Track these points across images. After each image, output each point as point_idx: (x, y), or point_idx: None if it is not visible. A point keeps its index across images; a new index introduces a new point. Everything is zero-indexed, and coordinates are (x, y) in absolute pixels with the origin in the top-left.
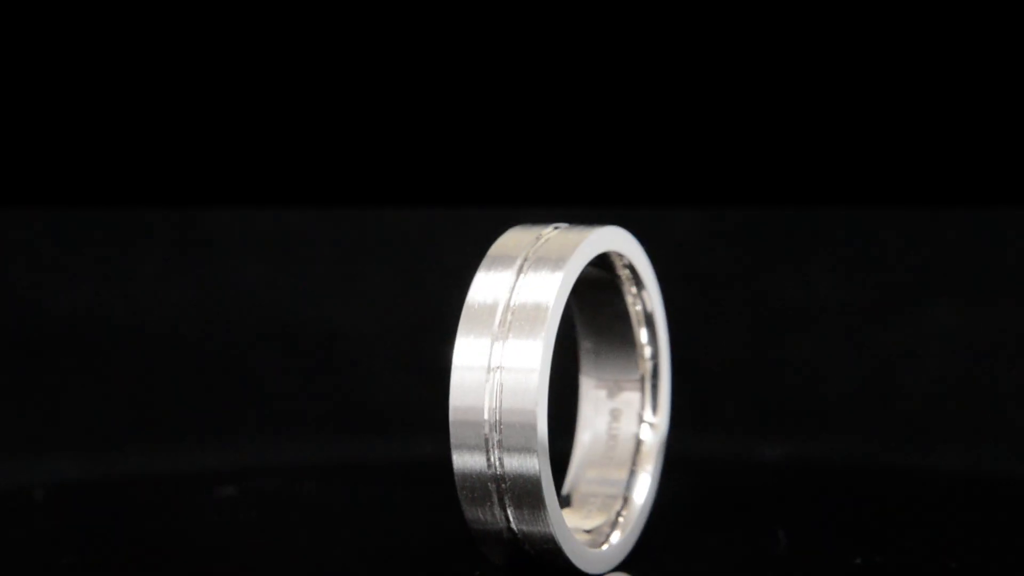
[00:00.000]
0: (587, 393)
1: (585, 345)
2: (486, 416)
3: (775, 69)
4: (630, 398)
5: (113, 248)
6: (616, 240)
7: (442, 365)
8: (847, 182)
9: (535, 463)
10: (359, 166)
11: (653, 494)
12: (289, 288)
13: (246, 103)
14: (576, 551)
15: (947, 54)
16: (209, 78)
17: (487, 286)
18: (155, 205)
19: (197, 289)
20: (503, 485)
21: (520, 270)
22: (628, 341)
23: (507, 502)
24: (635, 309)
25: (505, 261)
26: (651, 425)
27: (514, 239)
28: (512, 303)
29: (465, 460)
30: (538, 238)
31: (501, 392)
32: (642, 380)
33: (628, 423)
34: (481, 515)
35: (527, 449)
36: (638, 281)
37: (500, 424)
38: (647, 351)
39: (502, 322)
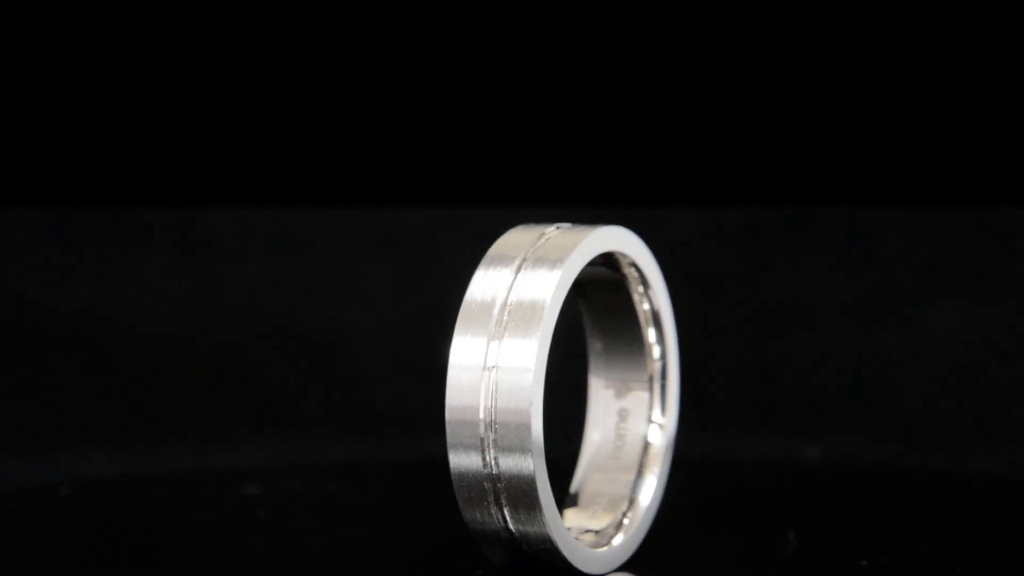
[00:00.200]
0: (596, 393)
1: (595, 346)
2: (481, 415)
3: (775, 69)
4: (638, 398)
5: (113, 248)
6: (618, 239)
7: (442, 364)
8: (847, 182)
9: (529, 463)
10: (359, 166)
11: (659, 496)
12: (289, 288)
13: (246, 103)
14: (574, 551)
15: (947, 54)
16: (209, 78)
17: (485, 284)
18: (155, 205)
19: (197, 289)
20: (499, 485)
21: (519, 269)
22: (636, 341)
23: (503, 502)
24: (642, 308)
25: (504, 260)
26: (660, 426)
27: (515, 238)
28: (509, 301)
29: (461, 460)
30: (539, 237)
31: (496, 391)
32: (650, 380)
33: (636, 423)
34: (479, 515)
35: (522, 449)
36: (644, 280)
37: (495, 424)
38: (655, 351)
39: (499, 320)
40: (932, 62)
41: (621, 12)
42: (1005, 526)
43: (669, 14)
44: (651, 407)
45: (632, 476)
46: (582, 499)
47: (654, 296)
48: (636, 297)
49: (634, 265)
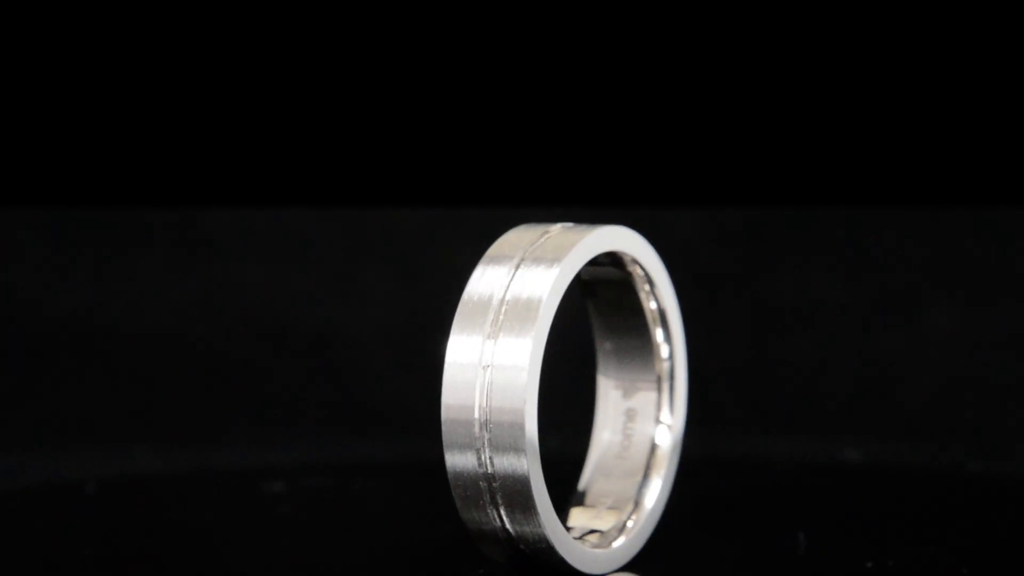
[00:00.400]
0: (604, 393)
1: (604, 346)
2: (476, 415)
3: (775, 69)
4: (647, 398)
5: (113, 248)
6: (619, 238)
7: (441, 364)
8: (847, 182)
9: (523, 463)
10: (359, 166)
11: (665, 499)
12: (289, 288)
13: (246, 103)
14: (572, 551)
15: (947, 54)
16: (209, 78)
17: (483, 282)
18: (155, 205)
19: (197, 289)
20: (494, 484)
21: (517, 267)
22: (644, 341)
23: (499, 501)
24: (649, 307)
25: (503, 259)
26: (667, 426)
27: (515, 237)
28: (506, 299)
29: (457, 459)
30: (540, 237)
31: (491, 390)
32: (659, 380)
33: (644, 424)
34: (476, 515)
35: (515, 448)
36: (649, 278)
37: (489, 423)
38: (663, 351)
39: (495, 319)
40: (932, 62)
41: (621, 12)
42: (1007, 526)
43: (669, 14)
44: (659, 407)
45: (638, 478)
46: (588, 498)
47: (660, 294)
48: (643, 296)
49: (638, 264)
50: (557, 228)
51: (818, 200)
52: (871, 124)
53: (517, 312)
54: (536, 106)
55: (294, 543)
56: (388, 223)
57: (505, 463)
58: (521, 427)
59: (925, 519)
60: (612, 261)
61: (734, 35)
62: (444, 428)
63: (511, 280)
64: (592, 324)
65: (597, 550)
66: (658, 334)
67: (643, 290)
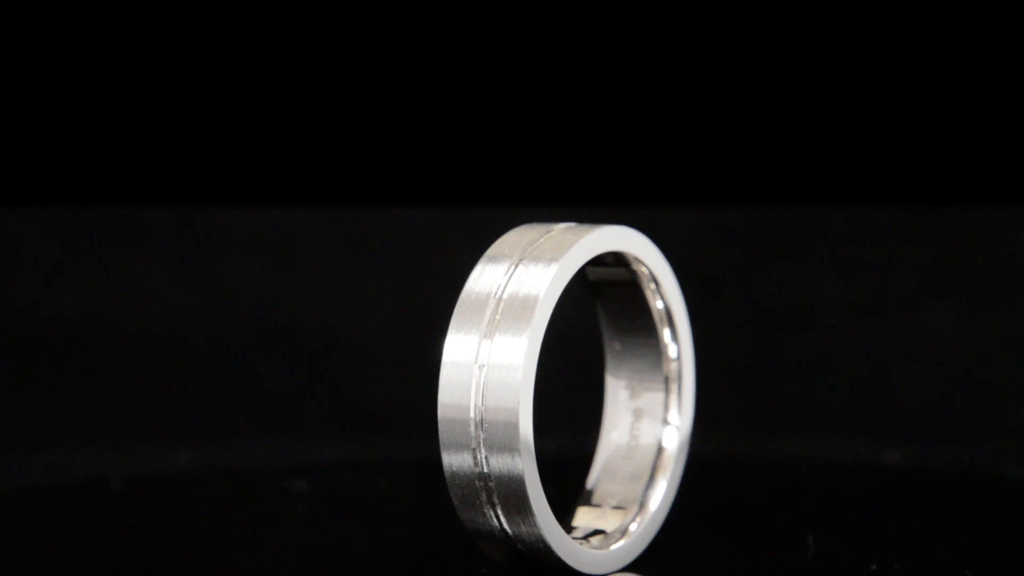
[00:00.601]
0: (613, 394)
1: (612, 346)
2: (472, 414)
3: (775, 69)
4: (654, 399)
5: (113, 248)
6: (621, 238)
7: (439, 363)
8: (847, 182)
9: (518, 463)
10: (359, 166)
11: (670, 502)
12: (289, 288)
13: (246, 103)
14: (570, 551)
15: (947, 54)
16: (209, 78)
17: (482, 281)
18: (155, 205)
19: (197, 289)
20: (490, 484)
21: (516, 266)
22: (652, 341)
23: (496, 501)
24: (656, 306)
25: (503, 257)
26: (675, 427)
27: (516, 237)
28: (503, 298)
29: (453, 459)
30: (540, 236)
31: (485, 389)
32: (666, 381)
33: (651, 425)
34: (474, 515)
35: (510, 448)
36: (653, 277)
37: (484, 422)
38: (671, 351)
39: (491, 318)
40: (932, 62)
41: (621, 12)
42: (1008, 527)
43: (669, 14)
44: (667, 408)
45: (644, 479)
46: (594, 498)
47: (665, 293)
48: (649, 295)
49: (642, 263)
50: (559, 228)
51: (818, 200)
52: (871, 124)
53: (513, 310)
54: (536, 106)
55: (295, 543)
56: (388, 223)
57: (500, 463)
58: (515, 427)
59: (931, 520)
60: (619, 261)
61: (734, 35)
62: (440, 427)
63: (509, 279)
64: (600, 325)
65: (596, 551)
66: (665, 334)
67: (649, 288)
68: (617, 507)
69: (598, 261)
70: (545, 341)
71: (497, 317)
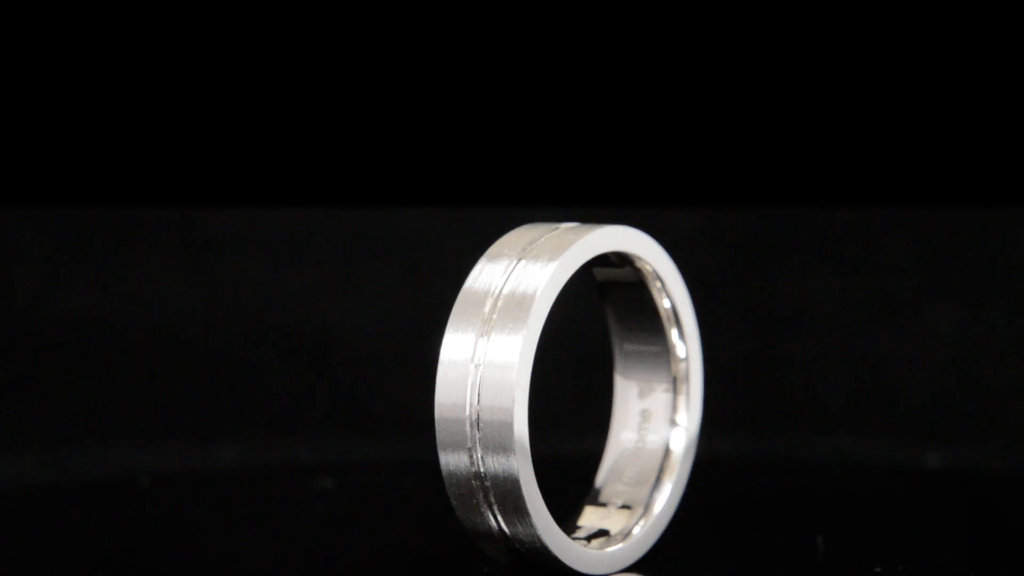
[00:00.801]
0: (621, 394)
1: (620, 346)
2: (468, 413)
3: (775, 69)
4: (662, 400)
5: (113, 248)
6: (622, 237)
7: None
8: (847, 182)
9: (513, 463)
10: (359, 166)
11: (675, 504)
12: (289, 288)
13: (246, 103)
14: (568, 552)
15: (947, 54)
16: (209, 78)
17: (480, 280)
18: (155, 205)
19: (197, 289)
20: (486, 484)
21: (515, 265)
22: (660, 341)
23: (492, 501)
24: (663, 306)
25: (502, 256)
26: (683, 428)
27: (516, 236)
28: (501, 296)
29: (450, 459)
30: (541, 236)
31: (481, 388)
32: (674, 382)
33: (659, 426)
34: (472, 516)
35: (505, 448)
36: (659, 277)
37: (480, 422)
38: (680, 350)
39: (489, 316)
40: (932, 62)
41: (622, 12)
42: (1009, 527)
43: (669, 14)
44: (675, 409)
45: (650, 481)
46: (601, 498)
47: (671, 291)
48: (655, 294)
49: (646, 262)
50: (562, 227)
51: (818, 200)
52: (871, 125)
53: (510, 309)
54: (537, 106)
55: (296, 543)
56: (388, 223)
57: (495, 463)
58: (510, 426)
59: (935, 521)
60: (625, 261)
61: (734, 35)
62: (437, 427)
63: (508, 277)
64: (608, 326)
65: (596, 551)
66: (673, 334)
67: (655, 288)
68: (623, 507)
69: (604, 261)
70: (550, 341)
71: (494, 316)
